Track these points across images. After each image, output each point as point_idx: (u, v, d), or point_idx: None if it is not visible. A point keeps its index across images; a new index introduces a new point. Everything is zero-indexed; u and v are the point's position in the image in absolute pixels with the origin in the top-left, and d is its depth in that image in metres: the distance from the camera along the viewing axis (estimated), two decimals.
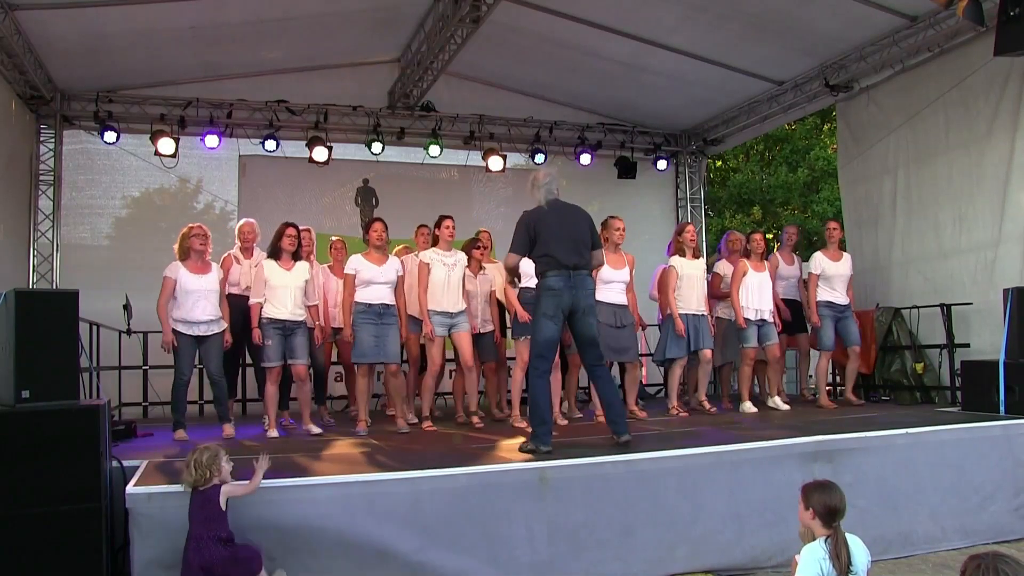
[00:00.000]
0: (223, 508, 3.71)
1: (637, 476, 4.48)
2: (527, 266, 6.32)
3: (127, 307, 7.10)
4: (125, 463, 4.31)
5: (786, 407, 7.12)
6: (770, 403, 7.20)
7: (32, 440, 3.82)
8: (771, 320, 7.10)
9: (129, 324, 7.15)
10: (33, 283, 8.48)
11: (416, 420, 6.67)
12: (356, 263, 6.15)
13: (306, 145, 9.22)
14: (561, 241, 5.00)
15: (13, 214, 8.14)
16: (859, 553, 3.09)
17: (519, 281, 6.11)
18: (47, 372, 4.00)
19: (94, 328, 6.73)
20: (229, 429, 6.02)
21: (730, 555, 4.56)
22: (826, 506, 3.10)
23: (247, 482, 3.80)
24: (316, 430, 6.09)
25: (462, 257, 6.54)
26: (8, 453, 3.77)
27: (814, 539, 3.11)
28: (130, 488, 3.84)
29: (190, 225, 6.07)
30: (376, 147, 9.43)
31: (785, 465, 4.76)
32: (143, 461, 4.57)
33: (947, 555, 4.93)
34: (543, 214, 5.10)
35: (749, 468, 4.72)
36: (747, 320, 7.00)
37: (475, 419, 6.42)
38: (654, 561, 4.40)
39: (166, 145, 8.70)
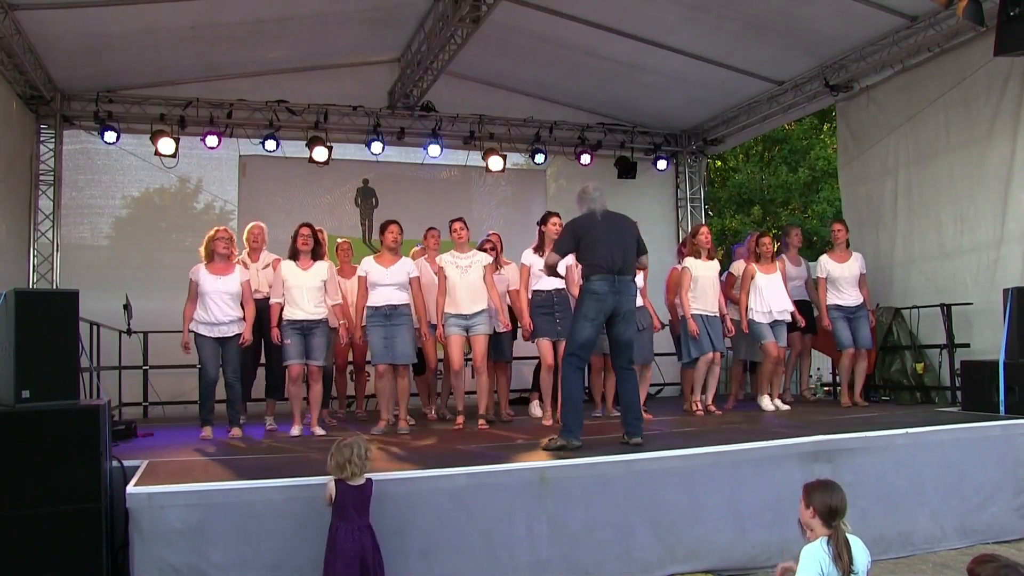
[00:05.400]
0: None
1: (637, 476, 4.48)
2: (539, 267, 6.34)
3: (127, 307, 7.11)
4: (125, 463, 4.31)
5: (786, 407, 7.13)
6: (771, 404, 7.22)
7: (32, 440, 3.82)
8: (784, 322, 7.14)
9: (129, 324, 7.15)
10: (33, 283, 8.47)
11: (414, 421, 6.66)
12: (366, 266, 6.21)
13: (306, 145, 9.21)
14: (608, 245, 5.06)
15: (13, 214, 8.14)
16: (860, 553, 3.08)
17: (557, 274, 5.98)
18: (47, 372, 3.99)
19: (94, 328, 6.73)
20: (237, 431, 6.07)
21: (730, 555, 4.56)
22: (827, 505, 3.11)
23: None
24: (320, 432, 6.13)
25: (480, 257, 6.47)
26: (8, 453, 3.77)
27: (816, 539, 3.11)
28: (130, 488, 3.84)
29: (216, 228, 6.20)
30: (376, 147, 9.42)
31: (785, 465, 4.76)
32: (143, 461, 4.57)
33: (947, 555, 4.93)
34: (592, 220, 5.17)
35: (749, 468, 4.72)
36: (758, 322, 7.04)
37: (481, 422, 6.38)
38: (654, 561, 4.39)
39: (166, 145, 8.70)
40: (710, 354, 6.97)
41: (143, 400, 8.24)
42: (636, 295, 5.25)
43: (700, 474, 4.61)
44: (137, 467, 4.38)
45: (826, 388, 9.31)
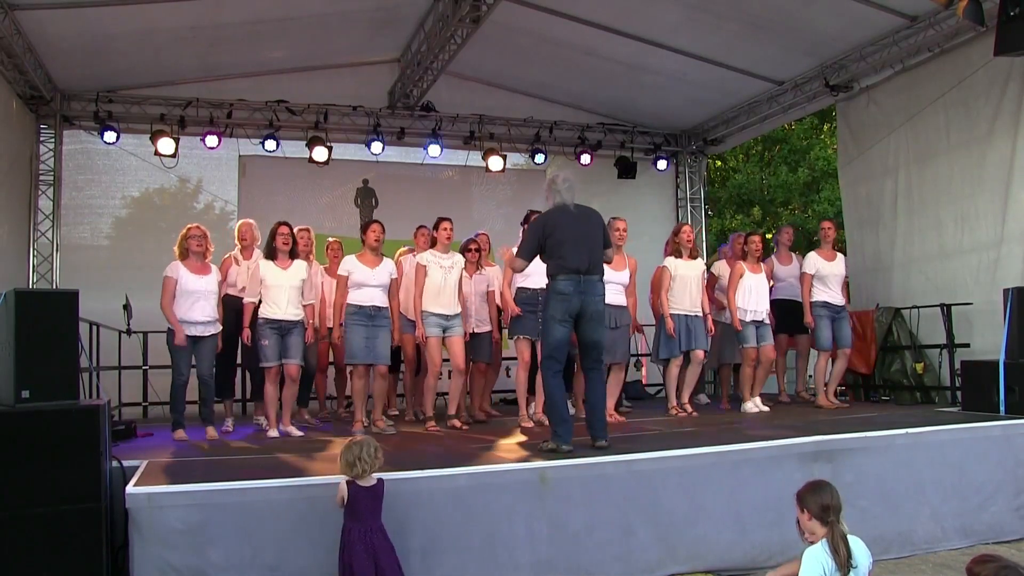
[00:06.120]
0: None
1: (637, 476, 4.48)
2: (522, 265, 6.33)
3: (127, 307, 7.10)
4: (125, 463, 4.30)
5: (766, 409, 7.02)
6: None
7: (32, 440, 3.81)
8: (767, 322, 7.12)
9: (129, 324, 7.15)
10: (33, 283, 8.48)
11: (392, 423, 6.64)
12: (350, 264, 6.16)
13: (306, 145, 9.22)
14: (573, 244, 4.99)
15: (13, 214, 8.14)
16: (861, 553, 3.09)
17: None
18: (47, 372, 3.99)
19: (94, 328, 6.73)
20: (212, 432, 6.00)
21: (730, 555, 4.56)
22: (820, 504, 3.14)
23: None
24: (297, 433, 6.08)
25: (460, 259, 6.52)
26: (8, 453, 3.76)
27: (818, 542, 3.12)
28: (130, 488, 3.84)
29: (188, 226, 6.09)
30: (376, 147, 9.42)
31: (785, 465, 4.76)
32: (143, 461, 4.57)
33: (947, 555, 4.92)
34: (556, 217, 5.09)
35: (749, 468, 4.72)
36: (743, 321, 7.01)
37: (456, 422, 6.37)
38: (654, 561, 4.39)
39: (166, 145, 8.70)
40: (680, 357, 6.94)
41: (143, 400, 8.23)
42: (604, 294, 5.17)
43: (700, 474, 4.61)
44: (137, 467, 4.38)
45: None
